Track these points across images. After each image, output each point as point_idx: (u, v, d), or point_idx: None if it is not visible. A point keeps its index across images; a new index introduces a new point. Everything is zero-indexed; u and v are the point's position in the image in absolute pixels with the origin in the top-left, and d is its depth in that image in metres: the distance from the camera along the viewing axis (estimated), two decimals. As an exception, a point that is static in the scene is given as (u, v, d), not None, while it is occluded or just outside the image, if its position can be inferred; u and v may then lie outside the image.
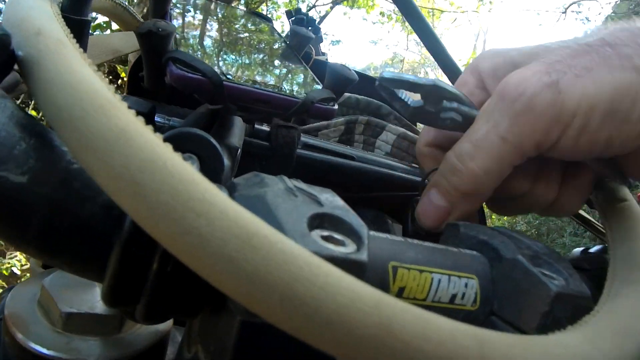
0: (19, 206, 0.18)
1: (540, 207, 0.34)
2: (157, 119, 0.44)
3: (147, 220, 0.15)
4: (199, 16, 0.46)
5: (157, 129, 0.27)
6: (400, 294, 0.22)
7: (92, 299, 0.28)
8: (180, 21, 0.41)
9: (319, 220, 0.19)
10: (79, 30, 0.31)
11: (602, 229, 0.41)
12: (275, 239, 0.15)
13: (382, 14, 8.40)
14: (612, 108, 0.28)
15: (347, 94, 0.65)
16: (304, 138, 0.52)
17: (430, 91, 0.31)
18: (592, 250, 0.49)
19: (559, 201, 0.33)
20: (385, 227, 0.56)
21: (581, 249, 0.50)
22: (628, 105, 0.27)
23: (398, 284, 0.22)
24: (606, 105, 0.27)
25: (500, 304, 0.25)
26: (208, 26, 0.43)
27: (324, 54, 0.75)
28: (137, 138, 0.15)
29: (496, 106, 0.29)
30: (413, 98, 0.31)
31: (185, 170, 0.15)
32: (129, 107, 0.32)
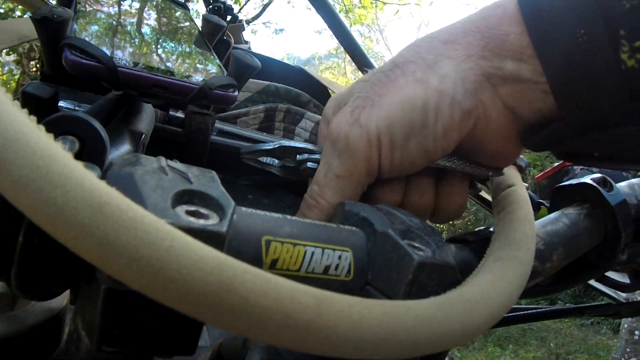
0: None
1: (423, 215, 0.37)
2: (65, 104, 0.44)
3: (11, 192, 0.16)
4: (109, 3, 0.46)
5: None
6: (273, 265, 0.24)
7: (-19, 278, 0.28)
8: (87, 8, 0.41)
9: (187, 197, 0.21)
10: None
11: None
12: (126, 208, 0.16)
13: (325, 4, 8.40)
14: (407, 120, 0.32)
15: (266, 82, 0.67)
16: (220, 125, 0.53)
17: (282, 151, 0.35)
18: (482, 228, 0.52)
19: (440, 207, 0.37)
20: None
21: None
22: (420, 113, 0.32)
23: (271, 256, 0.24)
24: (401, 120, 0.32)
25: (374, 274, 0.27)
26: (115, 13, 0.43)
27: (246, 42, 0.76)
28: (2, 118, 0.16)
29: (327, 150, 0.34)
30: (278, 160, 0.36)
31: (47, 147, 0.16)
32: (29, 93, 0.32)
